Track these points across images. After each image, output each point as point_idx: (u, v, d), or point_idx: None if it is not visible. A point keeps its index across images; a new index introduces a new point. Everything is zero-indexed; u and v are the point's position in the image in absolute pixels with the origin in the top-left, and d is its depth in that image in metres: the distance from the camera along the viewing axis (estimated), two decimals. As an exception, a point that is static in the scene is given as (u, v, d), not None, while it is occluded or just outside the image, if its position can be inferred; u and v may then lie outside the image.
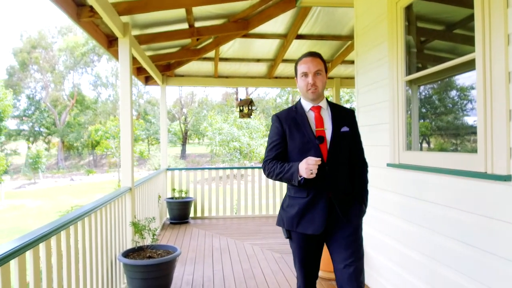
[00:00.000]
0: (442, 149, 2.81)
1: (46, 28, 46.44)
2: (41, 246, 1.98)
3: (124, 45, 3.90)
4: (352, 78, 7.48)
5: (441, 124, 2.89)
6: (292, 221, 2.15)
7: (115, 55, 4.53)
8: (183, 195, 7.03)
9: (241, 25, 5.23)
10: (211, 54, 6.37)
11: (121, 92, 3.92)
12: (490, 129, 1.98)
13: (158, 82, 7.00)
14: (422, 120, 2.96)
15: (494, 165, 1.95)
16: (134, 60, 4.89)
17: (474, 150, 2.13)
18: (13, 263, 1.68)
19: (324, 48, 6.39)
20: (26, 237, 1.82)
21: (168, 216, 6.93)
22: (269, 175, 2.19)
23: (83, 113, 38.69)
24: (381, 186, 3.25)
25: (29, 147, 35.35)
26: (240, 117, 8.36)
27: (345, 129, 2.15)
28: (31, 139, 37.57)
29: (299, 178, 2.02)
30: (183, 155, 36.60)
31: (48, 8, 75.23)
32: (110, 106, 38.58)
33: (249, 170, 7.49)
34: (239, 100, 9.97)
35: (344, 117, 2.20)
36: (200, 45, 5.98)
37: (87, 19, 3.55)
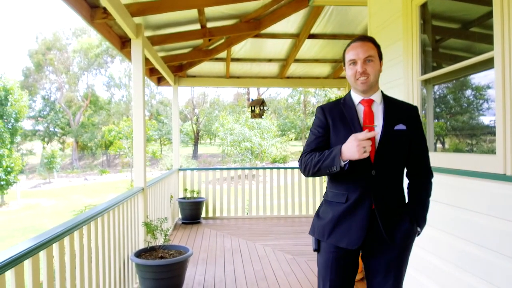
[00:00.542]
0: (457, 150, 2.75)
1: (60, 30, 47.35)
2: (55, 246, 1.99)
3: (137, 46, 3.93)
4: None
5: (456, 124, 2.84)
6: (324, 229, 1.80)
7: (128, 56, 4.56)
8: (195, 195, 7.05)
9: (253, 25, 5.22)
10: (223, 54, 6.38)
11: (134, 93, 3.95)
12: (510, 129, 1.93)
13: (170, 83, 7.04)
14: (437, 120, 2.90)
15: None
16: (146, 61, 4.92)
17: (491, 151, 2.08)
18: (27, 263, 1.70)
19: (337, 48, 6.33)
20: (40, 237, 1.84)
21: (180, 216, 6.97)
22: (305, 168, 1.82)
23: (97, 114, 39.20)
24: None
25: (44, 147, 35.92)
26: (251, 117, 8.37)
27: (400, 126, 1.78)
28: (46, 139, 38.17)
29: (342, 164, 1.66)
30: (195, 155, 36.77)
31: (63, 10, 76.62)
32: (123, 107, 39.00)
33: (261, 171, 7.49)
34: (250, 100, 9.95)
35: (401, 113, 1.83)
36: (212, 46, 5.99)
37: (101, 20, 3.59)
